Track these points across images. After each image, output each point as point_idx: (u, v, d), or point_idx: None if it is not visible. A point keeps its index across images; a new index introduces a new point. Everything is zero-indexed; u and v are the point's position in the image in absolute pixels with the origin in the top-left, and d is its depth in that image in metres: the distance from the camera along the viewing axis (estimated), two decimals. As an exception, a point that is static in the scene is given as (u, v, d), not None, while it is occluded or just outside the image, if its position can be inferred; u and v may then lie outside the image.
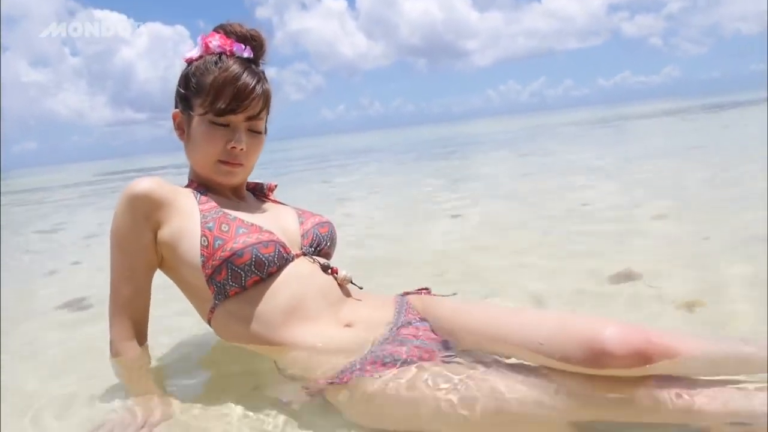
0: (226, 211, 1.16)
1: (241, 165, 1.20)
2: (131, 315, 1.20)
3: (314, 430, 0.98)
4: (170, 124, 1.26)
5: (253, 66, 1.20)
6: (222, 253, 1.08)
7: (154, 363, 1.28)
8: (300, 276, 1.14)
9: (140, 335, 1.22)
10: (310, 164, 11.67)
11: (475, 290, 1.82)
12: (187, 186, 1.25)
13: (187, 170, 1.29)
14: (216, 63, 1.16)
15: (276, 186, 1.42)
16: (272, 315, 1.10)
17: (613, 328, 0.85)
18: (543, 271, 2.00)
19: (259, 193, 1.38)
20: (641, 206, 3.06)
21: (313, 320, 1.10)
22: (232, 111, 1.14)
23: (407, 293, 1.26)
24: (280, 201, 1.39)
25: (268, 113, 1.23)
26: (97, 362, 1.31)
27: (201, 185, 1.24)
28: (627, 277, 1.80)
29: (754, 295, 1.52)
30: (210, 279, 1.10)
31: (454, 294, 1.31)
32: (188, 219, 1.14)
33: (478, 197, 4.22)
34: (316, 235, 1.24)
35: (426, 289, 1.30)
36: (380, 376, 0.93)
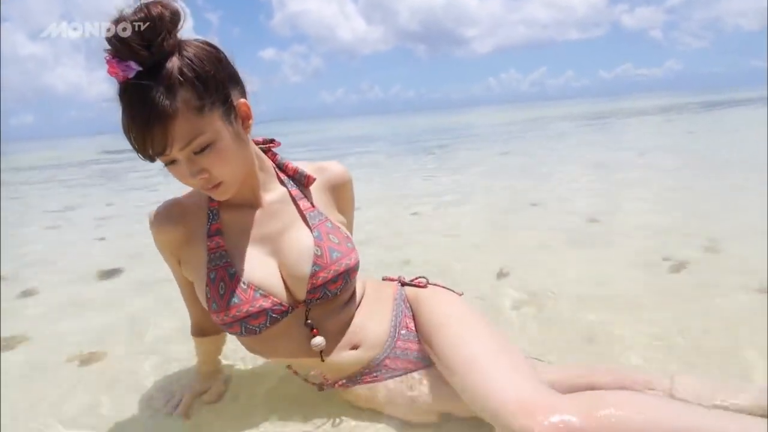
0: (232, 254, 1.15)
1: (218, 184, 1.05)
2: (197, 308, 1.34)
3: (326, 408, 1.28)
4: None
5: (144, 84, 0.92)
6: (217, 318, 1.15)
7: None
8: (299, 326, 1.19)
9: (210, 324, 1.35)
10: (311, 152, 11.97)
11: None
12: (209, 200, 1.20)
13: None
14: (120, 103, 0.96)
15: (315, 180, 1.24)
16: (274, 356, 1.26)
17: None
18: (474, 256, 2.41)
19: (297, 183, 1.24)
20: (577, 212, 3.35)
21: (315, 354, 1.20)
22: (150, 159, 0.98)
23: (404, 283, 1.36)
24: (314, 203, 1.24)
25: (203, 115, 0.97)
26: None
27: None
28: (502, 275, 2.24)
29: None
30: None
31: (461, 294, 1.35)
32: (196, 263, 1.18)
33: (451, 194, 4.57)
34: (324, 293, 1.17)
35: (423, 278, 1.35)
36: (373, 384, 1.22)
